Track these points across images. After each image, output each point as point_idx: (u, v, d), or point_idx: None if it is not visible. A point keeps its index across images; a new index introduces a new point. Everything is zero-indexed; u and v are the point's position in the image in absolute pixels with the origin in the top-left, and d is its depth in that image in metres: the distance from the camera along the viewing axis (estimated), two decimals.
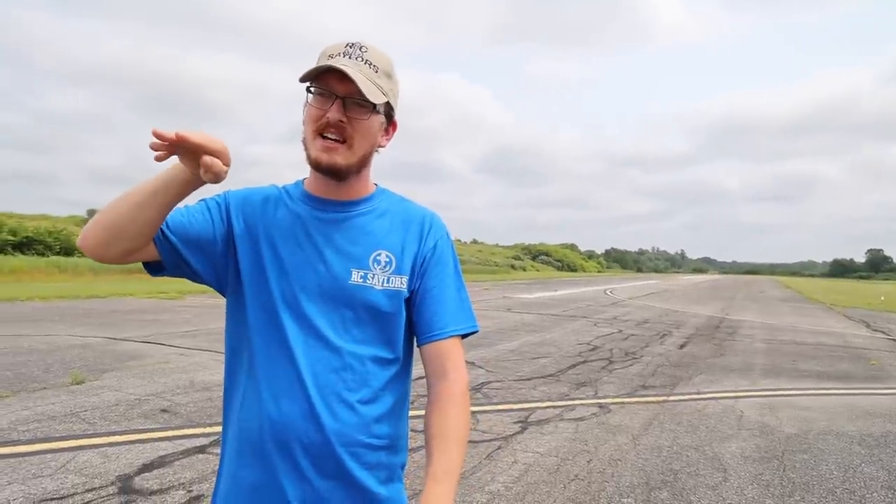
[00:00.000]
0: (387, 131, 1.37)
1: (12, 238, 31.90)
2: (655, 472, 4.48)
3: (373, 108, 1.28)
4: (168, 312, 13.58)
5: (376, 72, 1.28)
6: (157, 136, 1.08)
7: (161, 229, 1.25)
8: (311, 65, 1.30)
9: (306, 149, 1.30)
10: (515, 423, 5.59)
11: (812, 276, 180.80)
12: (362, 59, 1.27)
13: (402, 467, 1.41)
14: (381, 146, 1.36)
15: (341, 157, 1.28)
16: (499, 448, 4.83)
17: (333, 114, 1.25)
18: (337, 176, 1.31)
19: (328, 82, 1.26)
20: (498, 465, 4.47)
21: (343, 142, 1.28)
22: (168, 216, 1.25)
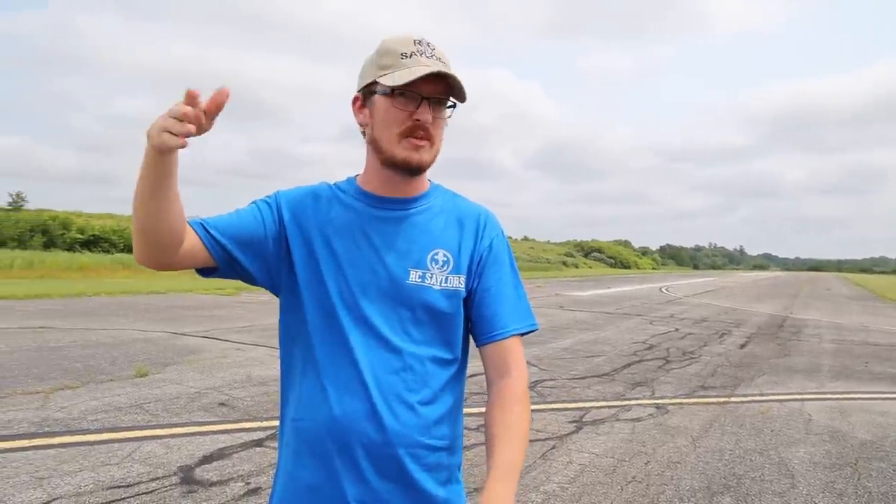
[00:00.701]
0: None
1: (80, 236, 33.20)
2: (717, 476, 4.36)
3: (454, 105, 1.30)
4: (224, 308, 13.89)
5: (448, 69, 1.27)
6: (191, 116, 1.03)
7: (210, 232, 1.25)
8: (365, 63, 1.31)
9: (382, 150, 1.29)
10: (570, 422, 5.52)
11: (884, 272, 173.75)
12: (436, 58, 1.26)
13: (459, 468, 1.39)
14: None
15: (428, 155, 1.29)
16: (553, 448, 4.78)
17: (425, 115, 1.24)
18: (417, 173, 1.31)
19: (414, 83, 1.23)
20: (553, 465, 4.42)
21: (428, 139, 1.28)
22: (218, 219, 1.26)
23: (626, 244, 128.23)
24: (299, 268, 1.31)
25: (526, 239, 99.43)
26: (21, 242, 30.54)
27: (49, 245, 31.44)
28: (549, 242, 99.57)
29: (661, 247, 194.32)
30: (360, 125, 1.33)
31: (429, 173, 1.41)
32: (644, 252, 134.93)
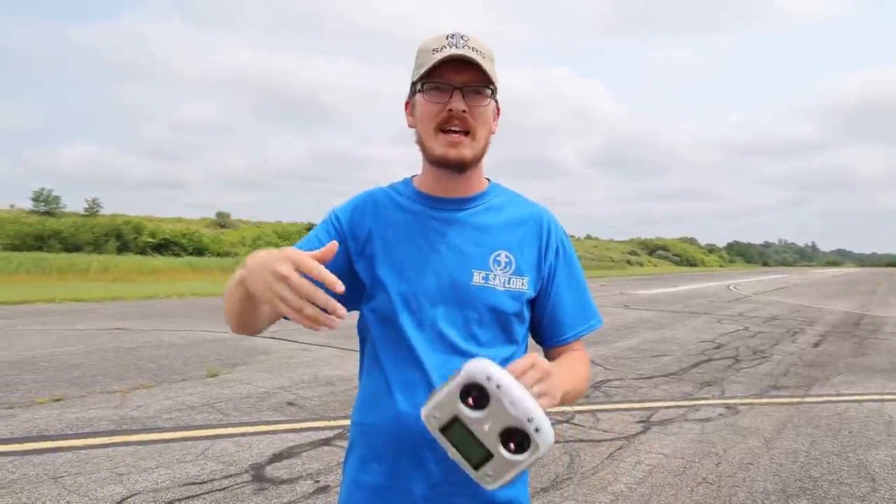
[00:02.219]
0: (494, 116, 1.34)
1: (152, 240, 34.44)
2: (792, 478, 4.22)
3: (491, 92, 1.27)
4: None
5: (483, 57, 1.25)
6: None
7: None
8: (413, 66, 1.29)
9: (425, 148, 1.29)
10: (637, 422, 5.43)
11: None
12: (468, 48, 1.23)
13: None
14: (493, 132, 1.34)
15: (468, 150, 1.26)
16: (621, 448, 4.71)
17: (457, 104, 1.23)
18: (461, 169, 1.29)
19: (443, 74, 1.24)
20: (621, 465, 4.36)
21: (467, 133, 1.26)
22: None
23: (692, 241, 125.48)
24: (365, 277, 1.32)
25: (589, 237, 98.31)
26: (97, 247, 31.87)
27: (122, 249, 32.72)
28: (612, 241, 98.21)
29: (729, 244, 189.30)
30: (410, 127, 1.34)
31: (489, 172, 1.40)
32: (710, 249, 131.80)
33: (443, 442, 0.98)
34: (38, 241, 30.84)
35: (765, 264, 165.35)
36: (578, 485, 3.98)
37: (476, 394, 0.95)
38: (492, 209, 1.36)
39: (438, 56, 1.22)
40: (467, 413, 0.96)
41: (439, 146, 1.26)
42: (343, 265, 1.30)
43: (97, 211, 43.44)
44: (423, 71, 1.24)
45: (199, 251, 35.51)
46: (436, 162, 1.29)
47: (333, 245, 1.04)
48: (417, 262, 1.29)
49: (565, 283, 1.36)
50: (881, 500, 3.89)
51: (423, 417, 0.99)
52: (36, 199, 42.49)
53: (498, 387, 0.94)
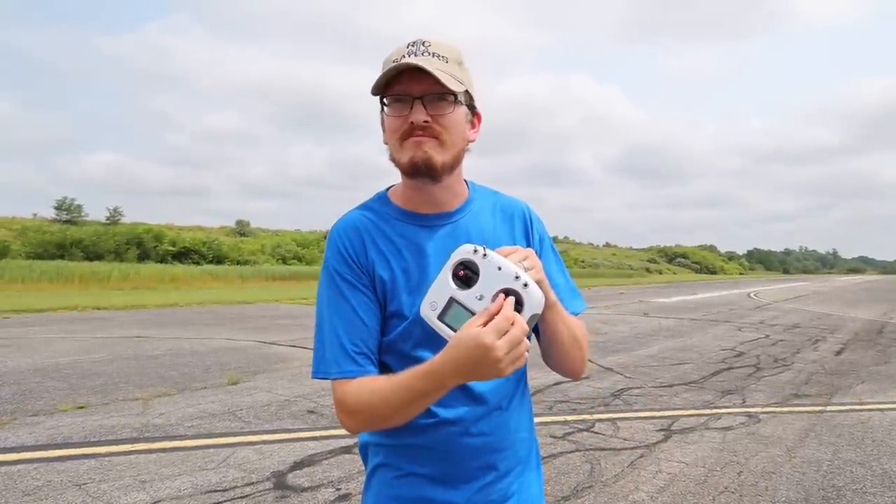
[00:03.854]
0: (472, 123, 1.30)
1: (172, 248, 34.82)
2: (815, 487, 4.18)
3: (454, 98, 1.21)
4: (310, 318, 14.20)
5: (446, 62, 1.21)
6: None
7: (374, 358, 1.25)
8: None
9: (396, 161, 1.25)
10: (658, 430, 5.40)
11: None
12: (428, 53, 1.20)
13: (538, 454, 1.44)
14: (470, 140, 1.30)
15: (436, 152, 1.21)
16: (641, 456, 4.69)
17: (417, 115, 1.19)
18: (432, 175, 1.23)
19: (402, 85, 1.20)
20: (641, 473, 4.33)
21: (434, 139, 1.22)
22: (361, 339, 1.24)
23: (712, 249, 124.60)
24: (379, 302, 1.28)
25: (608, 245, 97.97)
26: (118, 255, 32.28)
27: (143, 257, 33.11)
28: (631, 248, 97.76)
29: (749, 251, 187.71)
30: (385, 144, 1.29)
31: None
32: (730, 257, 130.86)
33: (442, 330, 1.04)
34: (61, 250, 31.28)
35: (785, 272, 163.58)
36: (599, 493, 3.96)
37: (466, 271, 1.03)
38: (482, 212, 1.35)
39: (390, 67, 1.19)
40: (461, 293, 1.03)
41: (406, 152, 1.22)
42: (375, 303, 1.27)
43: (118, 219, 43.95)
44: (377, 83, 1.21)
45: (219, 259, 35.84)
46: (407, 170, 1.24)
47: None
48: (420, 279, 1.26)
49: (554, 268, 1.37)
50: None
51: (421, 312, 1.06)
52: (58, 208, 43.09)
53: (484, 256, 1.02)
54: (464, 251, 1.04)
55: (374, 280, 1.26)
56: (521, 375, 1.37)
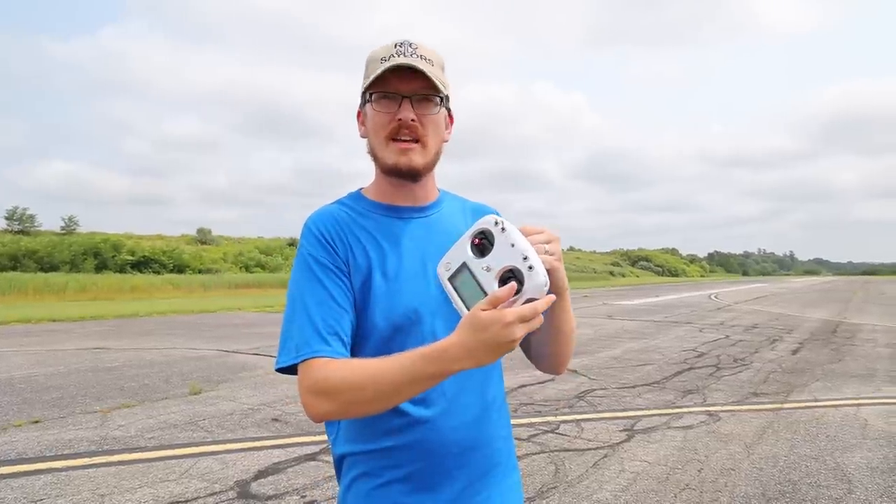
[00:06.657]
0: (446, 125, 1.34)
1: (131, 258, 34.10)
2: (772, 482, 4.28)
3: (440, 100, 1.26)
4: (273, 325, 14.09)
5: (432, 65, 1.25)
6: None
7: (347, 340, 1.21)
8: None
9: (377, 158, 1.29)
10: (621, 431, 5.47)
11: None
12: (417, 56, 1.24)
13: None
14: (445, 140, 1.34)
15: (419, 157, 1.26)
16: (605, 456, 4.74)
17: (406, 113, 1.23)
18: (414, 177, 1.29)
19: (392, 83, 1.23)
20: (605, 473, 4.39)
21: (417, 141, 1.26)
22: (337, 323, 1.20)
23: (674, 252, 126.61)
24: (359, 296, 1.26)
25: (572, 249, 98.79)
26: (74, 265, 31.49)
27: (101, 267, 32.34)
28: (595, 252, 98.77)
29: (710, 254, 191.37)
30: (362, 137, 1.33)
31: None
32: (692, 260, 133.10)
33: (450, 291, 1.08)
34: (13, 261, 30.43)
35: (745, 274, 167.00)
36: (564, 493, 4.00)
37: (483, 240, 1.05)
38: (453, 211, 1.39)
39: (386, 65, 1.22)
40: (474, 259, 1.05)
41: (391, 155, 1.25)
42: (351, 291, 1.25)
43: (74, 229, 42.88)
44: (370, 79, 1.24)
45: (180, 268, 35.24)
46: (389, 171, 1.28)
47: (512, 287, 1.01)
48: (400, 274, 1.26)
49: None
50: (857, 501, 3.95)
51: (438, 270, 1.09)
52: (9, 218, 41.89)
53: (503, 230, 1.04)
54: (486, 221, 1.06)
55: (351, 268, 1.25)
56: (495, 370, 1.35)
